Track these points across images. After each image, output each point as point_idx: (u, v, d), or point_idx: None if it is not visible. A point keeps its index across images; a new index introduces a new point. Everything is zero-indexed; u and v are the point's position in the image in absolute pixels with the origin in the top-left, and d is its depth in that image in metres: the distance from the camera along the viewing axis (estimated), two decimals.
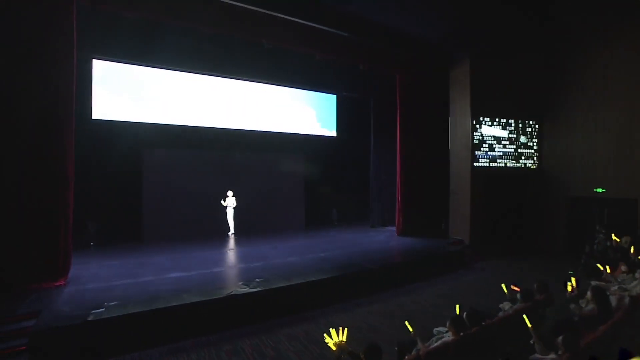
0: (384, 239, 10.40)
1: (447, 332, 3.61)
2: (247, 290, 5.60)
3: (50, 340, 4.23)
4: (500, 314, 4.17)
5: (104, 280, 6.04)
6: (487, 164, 10.22)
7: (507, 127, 10.44)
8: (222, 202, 10.39)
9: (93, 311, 4.67)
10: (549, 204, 10.37)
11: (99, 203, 8.95)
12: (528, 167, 10.53)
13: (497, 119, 10.27)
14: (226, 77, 10.51)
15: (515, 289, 4.22)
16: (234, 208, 10.56)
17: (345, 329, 2.69)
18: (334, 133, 13.05)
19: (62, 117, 5.94)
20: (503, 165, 10.38)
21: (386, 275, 7.16)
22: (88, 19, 6.95)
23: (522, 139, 10.53)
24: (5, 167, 5.49)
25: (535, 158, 10.62)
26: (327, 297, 6.13)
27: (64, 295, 5.35)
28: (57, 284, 5.75)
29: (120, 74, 9.17)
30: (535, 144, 10.61)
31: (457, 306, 3.68)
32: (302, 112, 12.22)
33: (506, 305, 4.25)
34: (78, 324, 4.42)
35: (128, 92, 9.31)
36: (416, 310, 5.81)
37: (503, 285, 4.36)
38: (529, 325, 3.01)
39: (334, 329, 2.67)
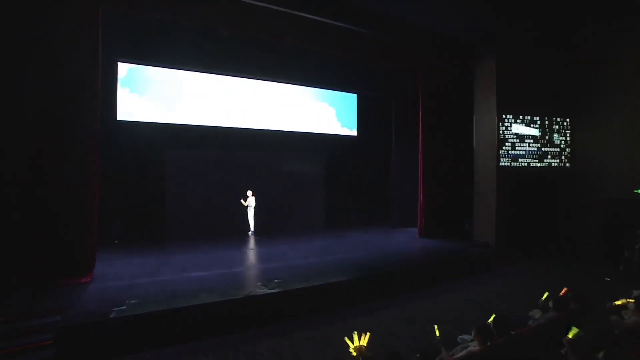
0: (405, 240, 10.15)
1: (472, 340, 3.41)
2: (265, 291, 5.56)
3: (74, 336, 4.32)
4: (531, 322, 3.93)
5: (127, 278, 6.15)
6: (514, 163, 9.76)
7: (536, 125, 9.95)
8: (242, 201, 10.46)
9: (115, 309, 4.75)
10: (581, 205, 9.80)
11: (124, 202, 9.18)
12: (558, 166, 10.00)
13: (524, 117, 9.80)
14: (246, 78, 10.56)
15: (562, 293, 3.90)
16: (253, 207, 10.61)
17: (368, 334, 2.59)
18: (354, 132, 12.88)
19: (88, 118, 6.11)
20: (531, 164, 9.90)
21: (407, 278, 6.96)
22: (112, 23, 7.12)
23: (553, 136, 10.01)
24: (31, 166, 5.68)
25: (565, 157, 10.08)
26: (346, 299, 6.01)
27: (89, 292, 5.48)
28: (83, 280, 5.91)
29: (143, 76, 9.37)
30: (565, 142, 10.07)
31: (436, 328, 3.34)
32: (322, 111, 12.12)
33: (537, 314, 3.99)
34: (100, 321, 4.51)
35: (151, 93, 9.50)
36: (438, 315, 5.59)
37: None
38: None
39: (356, 333, 2.58)
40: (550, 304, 3.76)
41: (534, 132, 9.97)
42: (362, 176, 13.25)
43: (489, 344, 3.06)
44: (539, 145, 9.98)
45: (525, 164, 9.88)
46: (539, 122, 9.99)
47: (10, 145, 5.57)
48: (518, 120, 9.83)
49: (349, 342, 2.57)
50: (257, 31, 8.03)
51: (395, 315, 5.62)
